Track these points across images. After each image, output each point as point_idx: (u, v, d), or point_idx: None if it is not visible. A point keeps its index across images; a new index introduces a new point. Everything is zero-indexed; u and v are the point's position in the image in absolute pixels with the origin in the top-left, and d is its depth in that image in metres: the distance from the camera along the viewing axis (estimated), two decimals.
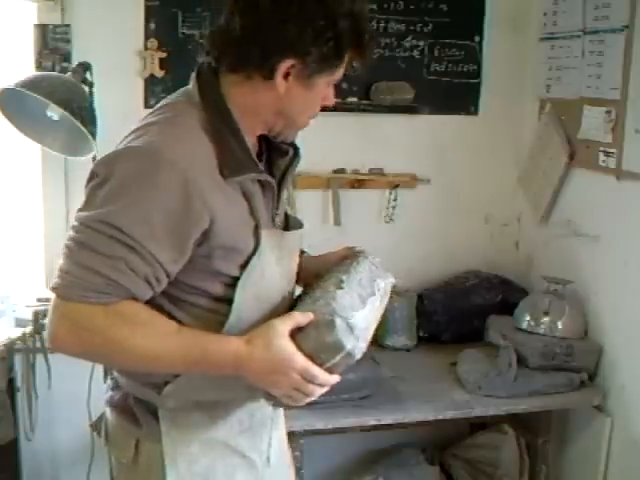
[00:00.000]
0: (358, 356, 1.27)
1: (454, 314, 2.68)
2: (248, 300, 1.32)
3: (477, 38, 2.76)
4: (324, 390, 1.28)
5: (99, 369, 2.46)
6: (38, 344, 2.17)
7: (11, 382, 2.33)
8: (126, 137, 1.31)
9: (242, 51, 1.27)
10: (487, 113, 2.82)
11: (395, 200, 2.76)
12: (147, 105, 2.52)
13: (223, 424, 1.42)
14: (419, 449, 2.77)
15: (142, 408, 1.41)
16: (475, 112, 2.81)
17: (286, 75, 1.28)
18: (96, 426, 1.58)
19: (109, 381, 1.50)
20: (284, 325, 1.25)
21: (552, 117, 2.64)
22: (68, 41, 2.41)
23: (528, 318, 2.49)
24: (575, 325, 2.47)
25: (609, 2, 2.33)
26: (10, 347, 2.16)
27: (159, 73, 2.50)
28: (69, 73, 2.24)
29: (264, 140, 1.43)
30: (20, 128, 2.21)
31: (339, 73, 1.34)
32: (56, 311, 1.23)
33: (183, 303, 1.33)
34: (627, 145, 2.27)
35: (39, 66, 2.39)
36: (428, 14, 2.70)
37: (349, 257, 1.50)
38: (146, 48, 2.49)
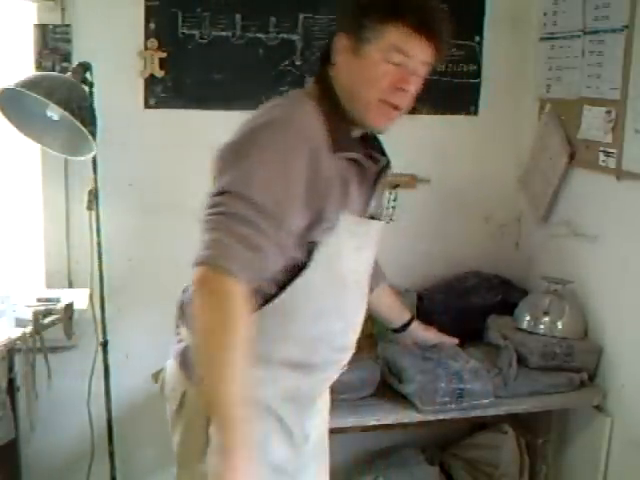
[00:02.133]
0: None
1: (454, 314, 2.68)
2: (321, 267, 1.44)
3: (477, 38, 2.76)
4: None
5: (99, 368, 2.47)
6: (38, 344, 2.17)
7: (11, 382, 2.33)
8: (245, 123, 1.43)
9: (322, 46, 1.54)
10: (487, 113, 2.82)
11: (395, 200, 2.75)
12: (147, 105, 2.52)
13: (270, 386, 1.51)
14: (419, 449, 2.78)
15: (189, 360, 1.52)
16: (475, 112, 2.81)
17: (341, 51, 1.46)
18: (156, 377, 1.73)
19: (176, 335, 1.64)
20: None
21: (552, 117, 2.64)
22: (68, 41, 2.41)
23: (528, 318, 2.49)
24: (575, 325, 2.47)
25: (609, 2, 2.33)
26: (10, 347, 2.16)
27: (159, 73, 2.50)
28: (69, 73, 2.24)
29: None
30: (20, 128, 2.21)
31: (387, 41, 1.42)
32: None
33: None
34: (627, 145, 2.27)
35: (39, 66, 2.39)
36: None
37: None
38: (146, 48, 2.49)
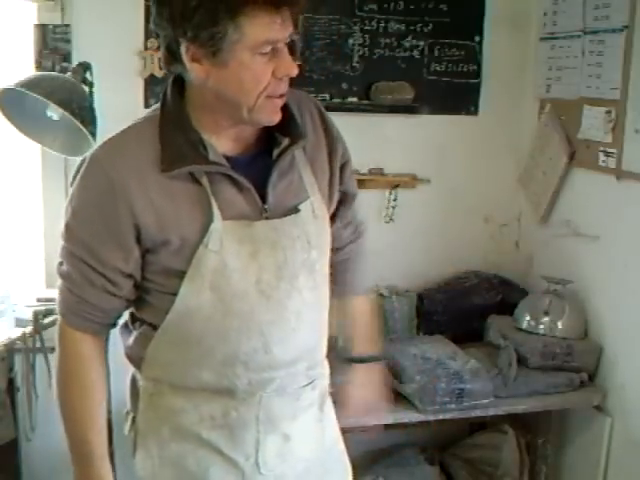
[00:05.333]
0: None
1: (454, 314, 2.68)
2: (201, 293, 1.33)
3: (477, 38, 2.76)
4: None
5: None
6: (38, 344, 2.17)
7: (11, 382, 2.33)
8: None
9: (163, 57, 1.32)
10: (487, 113, 2.82)
11: (395, 200, 2.76)
12: (147, 105, 2.52)
13: (194, 414, 1.41)
14: (419, 449, 2.77)
15: (132, 387, 1.49)
16: (475, 112, 2.81)
17: (197, 60, 1.25)
18: None
19: None
20: None
21: (552, 117, 2.64)
22: (68, 41, 2.41)
23: (528, 318, 2.49)
24: (575, 325, 2.47)
25: (609, 2, 2.33)
26: (10, 347, 2.16)
27: (159, 73, 2.50)
28: (69, 73, 2.24)
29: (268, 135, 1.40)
30: (20, 128, 2.21)
31: (251, 36, 1.21)
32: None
33: (154, 293, 1.38)
34: (627, 145, 2.27)
35: (39, 66, 2.39)
36: (428, 14, 2.69)
37: None
38: (146, 48, 2.49)
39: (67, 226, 1.36)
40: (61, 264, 1.38)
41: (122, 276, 1.34)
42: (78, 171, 1.35)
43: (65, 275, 1.37)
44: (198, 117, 1.32)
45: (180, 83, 1.35)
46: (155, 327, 1.39)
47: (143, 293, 1.39)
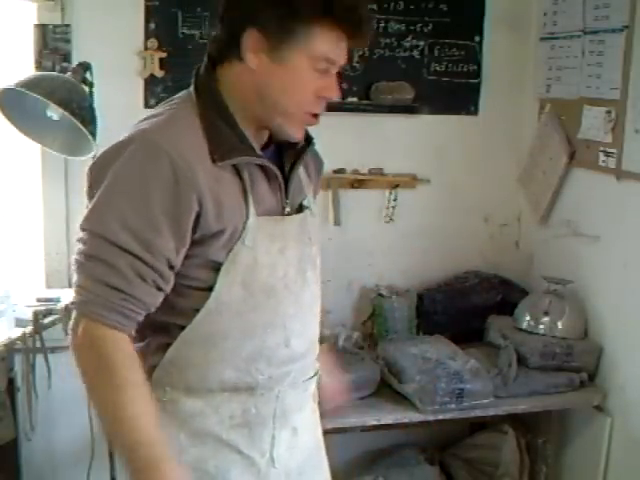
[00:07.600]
0: None
1: (454, 314, 2.68)
2: (232, 287, 1.33)
3: (477, 38, 2.76)
4: None
5: None
6: (38, 344, 2.17)
7: (11, 382, 2.33)
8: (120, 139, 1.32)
9: (217, 38, 1.34)
10: (487, 113, 2.82)
11: (395, 200, 2.76)
12: (147, 105, 2.52)
13: (213, 415, 1.40)
14: (419, 449, 2.78)
15: None
16: (475, 112, 2.81)
17: (255, 50, 1.28)
18: None
19: None
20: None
21: (552, 117, 2.64)
22: (68, 41, 2.41)
23: (528, 318, 2.50)
24: (575, 325, 2.47)
25: (609, 2, 2.33)
26: (10, 347, 2.16)
27: (159, 73, 2.50)
28: (69, 73, 2.24)
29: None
30: (20, 128, 2.21)
31: (316, 47, 1.28)
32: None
33: (186, 290, 1.34)
34: (627, 145, 2.27)
35: (39, 66, 2.39)
36: (428, 14, 2.70)
37: None
38: (146, 48, 2.49)
39: (107, 214, 1.24)
40: (90, 257, 1.24)
41: (169, 269, 1.28)
42: (111, 156, 1.26)
43: (102, 271, 1.23)
44: (235, 109, 1.33)
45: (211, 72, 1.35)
46: (170, 331, 1.36)
47: (169, 294, 1.33)
